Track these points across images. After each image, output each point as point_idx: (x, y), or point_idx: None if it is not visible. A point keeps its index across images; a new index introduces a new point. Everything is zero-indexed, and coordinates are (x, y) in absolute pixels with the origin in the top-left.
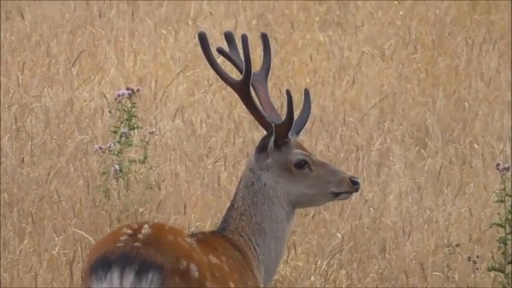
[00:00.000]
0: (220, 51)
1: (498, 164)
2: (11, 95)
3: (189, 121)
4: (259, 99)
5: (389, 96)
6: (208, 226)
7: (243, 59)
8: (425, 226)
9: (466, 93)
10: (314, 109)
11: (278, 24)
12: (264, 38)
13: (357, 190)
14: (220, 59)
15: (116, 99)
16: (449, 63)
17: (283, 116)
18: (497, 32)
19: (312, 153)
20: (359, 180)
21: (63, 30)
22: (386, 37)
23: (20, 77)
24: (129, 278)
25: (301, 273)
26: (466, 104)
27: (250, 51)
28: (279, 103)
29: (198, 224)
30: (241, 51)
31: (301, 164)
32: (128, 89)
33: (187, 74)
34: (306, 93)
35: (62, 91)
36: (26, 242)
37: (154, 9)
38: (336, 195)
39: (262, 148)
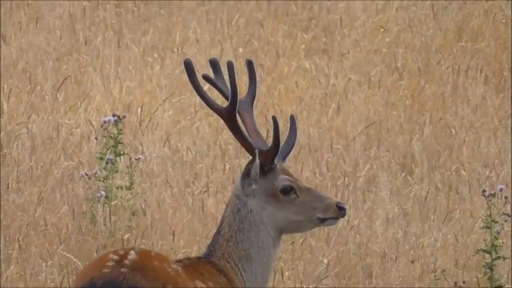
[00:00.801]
0: (206, 78)
1: (484, 191)
2: None
3: (175, 148)
4: (245, 125)
5: (375, 123)
6: (194, 252)
7: (228, 86)
8: (412, 252)
9: (453, 120)
10: (300, 136)
11: (264, 51)
12: (250, 64)
13: (343, 216)
14: (206, 86)
15: (102, 126)
16: (436, 90)
17: (270, 143)
18: (483, 59)
19: (298, 179)
20: (345, 206)
21: (49, 57)
22: (372, 64)
23: (6, 104)
24: None
25: None
26: (453, 130)
27: (236, 78)
28: (265, 130)
29: (184, 250)
30: (227, 78)
31: (288, 190)
32: (114, 115)
33: (173, 100)
34: (292, 119)
35: (48, 118)
36: (12, 267)
37: (140, 36)
38: (322, 221)
39: (246, 174)
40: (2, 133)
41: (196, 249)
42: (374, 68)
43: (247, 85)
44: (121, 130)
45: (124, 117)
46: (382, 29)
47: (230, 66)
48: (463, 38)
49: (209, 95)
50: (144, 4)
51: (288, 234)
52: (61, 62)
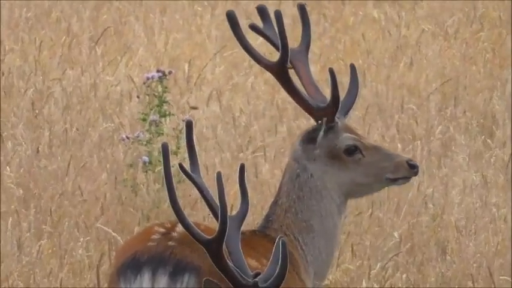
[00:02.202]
0: (254, 27)
1: None
2: (27, 77)
3: (227, 107)
4: (300, 79)
5: (452, 79)
6: (249, 224)
7: (278, 35)
8: (492, 225)
9: None
10: (367, 94)
11: None
12: (302, 9)
13: (416, 174)
14: (261, 39)
15: (145, 83)
16: None
17: (329, 97)
18: None
19: (362, 137)
20: (417, 164)
21: (86, 5)
22: (448, 13)
23: (38, 58)
24: (162, 280)
25: (353, 277)
26: None
27: (294, 28)
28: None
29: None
30: (276, 27)
31: (352, 150)
32: (158, 71)
33: (225, 54)
34: (352, 69)
35: (84, 74)
36: (44, 242)
37: None
38: (393, 181)
39: (309, 139)
40: (32, 90)
41: (251, 221)
42: (450, 17)
43: (302, 32)
44: (166, 88)
45: (170, 73)
46: None
47: (278, 15)
48: None
49: (265, 48)
50: None
51: (355, 199)
52: (99, 11)
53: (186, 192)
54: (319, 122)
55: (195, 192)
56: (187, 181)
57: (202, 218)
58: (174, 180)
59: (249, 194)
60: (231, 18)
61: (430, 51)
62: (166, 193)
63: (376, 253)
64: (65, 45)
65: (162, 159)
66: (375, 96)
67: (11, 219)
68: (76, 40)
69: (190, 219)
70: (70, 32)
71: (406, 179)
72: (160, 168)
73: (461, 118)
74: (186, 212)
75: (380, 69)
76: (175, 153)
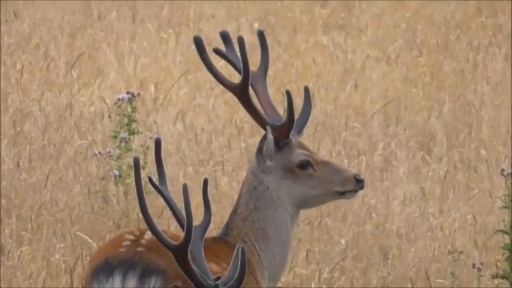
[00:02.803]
0: (218, 52)
1: (503, 170)
2: (9, 98)
3: (190, 126)
4: (259, 100)
5: (393, 100)
6: (209, 232)
7: (240, 59)
8: (429, 233)
9: (472, 97)
10: (317, 114)
11: (281, 27)
12: (261, 35)
13: (362, 188)
14: (222, 62)
15: (116, 104)
16: (455, 66)
17: (284, 117)
18: (503, 34)
19: (314, 153)
20: (363, 178)
21: (63, 32)
22: (391, 40)
23: (19, 80)
24: (132, 282)
25: (304, 280)
26: (472, 108)
27: (251, 53)
28: (282, 107)
29: None
30: (239, 52)
31: (304, 165)
32: (128, 93)
33: (189, 77)
34: (306, 91)
35: (61, 95)
36: (24, 248)
37: (155, 12)
38: (341, 194)
39: (260, 150)
40: (14, 110)
41: (211, 229)
42: (392, 43)
43: (260, 57)
44: (135, 108)
45: (138, 94)
46: (400, 4)
47: (240, 41)
48: (483, 14)
49: (226, 70)
50: None
51: (305, 210)
52: (75, 38)
53: (153, 202)
54: (266, 131)
55: (161, 202)
56: (155, 192)
57: (167, 226)
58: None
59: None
60: (198, 43)
61: (374, 75)
62: (135, 203)
63: (324, 258)
64: (43, 69)
65: (132, 173)
66: (324, 115)
67: None
68: (53, 64)
69: (159, 227)
70: (48, 57)
71: (354, 192)
72: (129, 181)
73: (401, 135)
74: (154, 220)
75: (328, 91)
76: (143, 167)
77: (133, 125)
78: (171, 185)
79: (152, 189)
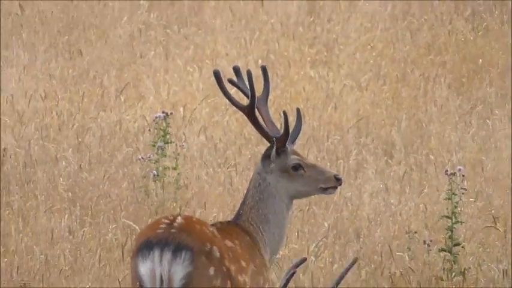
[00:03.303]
0: (231, 81)
1: (446, 170)
2: (73, 117)
3: (210, 137)
4: (262, 118)
5: (364, 118)
6: (224, 217)
7: (248, 87)
8: (391, 218)
9: (423, 116)
10: (306, 128)
11: (279, 63)
12: (264, 70)
13: (340, 184)
14: (233, 90)
15: (154, 121)
16: (410, 93)
17: (282, 131)
18: (447, 68)
19: (304, 158)
20: (341, 177)
21: (113, 67)
22: (362, 73)
23: (80, 104)
24: (167, 256)
25: (297, 253)
26: (423, 124)
27: (256, 83)
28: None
29: (214, 215)
30: (247, 82)
31: (297, 167)
32: (163, 112)
33: (209, 101)
34: (298, 111)
35: (112, 114)
36: (86, 229)
37: (183, 51)
38: (324, 190)
39: (266, 156)
40: (77, 126)
41: (226, 216)
42: (363, 76)
43: (263, 85)
44: (168, 124)
45: (171, 113)
46: (369, 46)
47: (249, 73)
48: (432, 53)
49: (237, 95)
50: (186, 26)
51: (297, 200)
52: (122, 71)
53: (183, 195)
54: (271, 144)
55: (188, 195)
56: (184, 187)
57: (194, 212)
58: (174, 187)
59: (225, 197)
60: (217, 75)
61: (349, 99)
62: (169, 196)
63: (312, 237)
64: (98, 95)
65: (167, 172)
66: (311, 130)
67: (65, 213)
68: (106, 91)
69: (185, 213)
70: (102, 86)
71: (334, 188)
72: (164, 178)
73: (370, 145)
74: (182, 209)
75: (315, 111)
76: (175, 169)
77: (167, 137)
78: (196, 182)
79: (182, 184)
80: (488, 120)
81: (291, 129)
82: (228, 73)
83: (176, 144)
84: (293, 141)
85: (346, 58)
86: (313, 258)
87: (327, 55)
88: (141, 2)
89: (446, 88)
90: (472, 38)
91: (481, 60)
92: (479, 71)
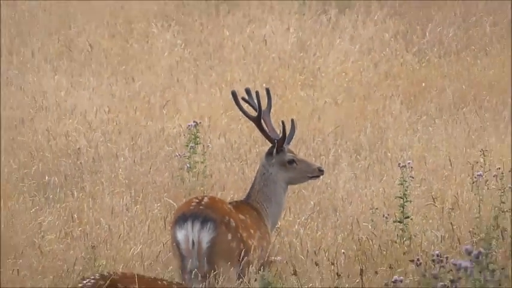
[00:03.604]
0: (244, 99)
1: (399, 164)
2: (128, 125)
3: (228, 140)
4: (266, 125)
5: (339, 126)
6: (238, 198)
7: (256, 103)
8: (359, 198)
9: (383, 124)
10: (298, 133)
11: (278, 86)
12: (267, 91)
13: (322, 174)
14: (245, 105)
15: (187, 128)
16: (373, 108)
17: (280, 135)
18: (400, 90)
19: (297, 155)
20: (323, 169)
21: (157, 89)
22: (338, 93)
23: (133, 115)
24: (197, 226)
25: (290, 224)
26: (383, 130)
27: (261, 100)
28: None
29: (231, 196)
30: (255, 100)
31: (291, 161)
32: (194, 122)
33: (227, 113)
34: (292, 121)
35: (157, 123)
36: (138, 206)
37: (208, 77)
38: (311, 177)
39: (269, 153)
40: (133, 131)
41: (239, 196)
42: (339, 95)
43: (267, 102)
44: (198, 130)
45: (200, 123)
46: (343, 73)
47: (257, 93)
48: (389, 79)
49: (248, 109)
50: (211, 59)
51: (291, 186)
52: (164, 92)
53: (208, 181)
54: (273, 145)
55: (212, 181)
56: (209, 176)
57: (216, 194)
58: (201, 176)
59: (239, 183)
60: (234, 95)
61: (329, 112)
62: (197, 183)
63: (301, 212)
64: (147, 109)
65: (197, 165)
66: (301, 134)
67: (123, 195)
68: (153, 106)
69: (210, 194)
70: (150, 103)
71: (317, 177)
72: (195, 170)
73: (344, 145)
74: (208, 192)
75: (304, 121)
76: (202, 163)
77: (197, 140)
78: (218, 173)
79: (207, 174)
80: (430, 128)
81: (287, 133)
82: (241, 93)
83: (203, 145)
84: (288, 143)
85: (326, 82)
86: (302, 228)
87: (312, 80)
88: (178, 41)
89: (399, 104)
90: (418, 68)
91: (424, 83)
92: (423, 91)
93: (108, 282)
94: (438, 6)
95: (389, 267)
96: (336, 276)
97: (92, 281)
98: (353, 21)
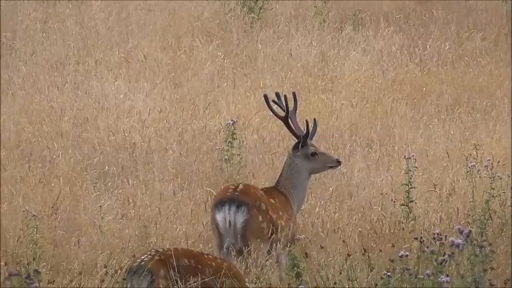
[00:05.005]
0: (274, 101)
1: (405, 156)
2: (177, 123)
3: (261, 136)
4: (292, 124)
5: (354, 124)
6: (269, 185)
7: (284, 105)
8: (371, 185)
9: (391, 123)
10: (318, 130)
11: (302, 91)
12: (294, 95)
13: (340, 165)
14: (275, 106)
15: (226, 125)
16: (383, 109)
17: (305, 132)
18: (405, 94)
19: (318, 148)
20: (341, 160)
21: (202, 93)
22: (353, 97)
23: (181, 115)
24: (233, 209)
25: (312, 207)
26: (391, 128)
27: (289, 102)
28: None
29: (263, 183)
30: (284, 102)
31: (314, 154)
32: (231, 120)
33: (260, 113)
34: (314, 120)
35: (200, 122)
36: (184, 192)
37: (244, 83)
38: (330, 167)
39: (295, 147)
40: (180, 129)
41: (270, 183)
42: (354, 98)
43: (293, 104)
44: (235, 127)
45: (236, 121)
46: (357, 80)
47: (285, 96)
48: (395, 84)
49: (277, 110)
50: (246, 68)
51: (313, 175)
52: (207, 96)
53: (242, 170)
54: (298, 140)
55: (246, 171)
56: (245, 167)
57: (250, 182)
58: (238, 167)
59: (269, 172)
60: (266, 98)
61: (345, 113)
62: (234, 171)
63: (322, 196)
64: (192, 109)
65: (233, 157)
66: (322, 131)
67: (171, 182)
68: (197, 108)
69: (245, 182)
70: (194, 104)
71: (336, 167)
72: (232, 161)
73: (358, 141)
74: (243, 180)
75: (324, 120)
76: (239, 155)
77: (234, 135)
78: (251, 164)
79: (243, 164)
80: (430, 126)
81: (310, 130)
82: (271, 96)
83: (239, 140)
84: (311, 138)
85: (343, 88)
86: (322, 210)
87: (331, 86)
88: (219, 53)
89: (404, 106)
90: (420, 75)
91: (425, 88)
92: (424, 95)
93: (162, 256)
94: (436, 24)
95: (392, 246)
96: (347, 256)
97: (149, 256)
98: (365, 37)
